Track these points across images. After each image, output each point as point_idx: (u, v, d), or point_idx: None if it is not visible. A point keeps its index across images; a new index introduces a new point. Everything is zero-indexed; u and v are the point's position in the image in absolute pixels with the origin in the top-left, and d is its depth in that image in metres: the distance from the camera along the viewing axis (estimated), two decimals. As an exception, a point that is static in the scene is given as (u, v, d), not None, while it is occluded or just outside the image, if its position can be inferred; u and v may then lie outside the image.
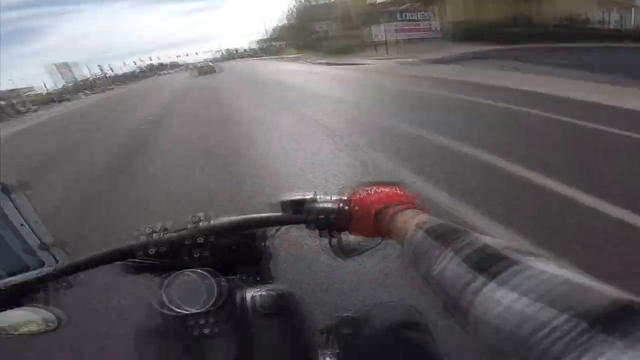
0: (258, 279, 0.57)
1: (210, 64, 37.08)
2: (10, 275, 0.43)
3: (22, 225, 0.41)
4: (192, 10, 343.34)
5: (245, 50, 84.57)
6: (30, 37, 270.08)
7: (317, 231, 0.49)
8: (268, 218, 0.52)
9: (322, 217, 0.47)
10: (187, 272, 0.49)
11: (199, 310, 0.47)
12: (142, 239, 0.50)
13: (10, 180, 0.42)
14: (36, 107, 30.86)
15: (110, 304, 1.65)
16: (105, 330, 1.53)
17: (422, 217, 0.38)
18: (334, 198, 0.48)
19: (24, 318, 0.48)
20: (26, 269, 0.43)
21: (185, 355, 0.47)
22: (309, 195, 0.49)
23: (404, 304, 0.61)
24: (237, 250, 0.53)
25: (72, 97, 41.32)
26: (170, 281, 0.48)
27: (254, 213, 0.51)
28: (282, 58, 33.20)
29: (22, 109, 29.09)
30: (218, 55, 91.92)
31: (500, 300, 0.24)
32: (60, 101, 36.69)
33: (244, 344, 0.47)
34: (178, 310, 0.47)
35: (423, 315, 0.59)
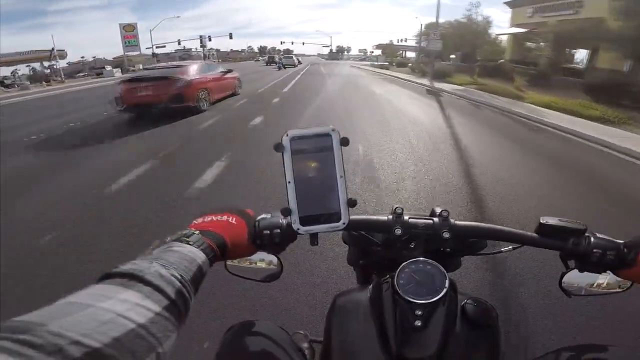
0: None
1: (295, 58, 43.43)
2: (311, 216, 0.43)
3: (341, 177, 0.42)
4: (322, 4, 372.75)
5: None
6: (188, 5, 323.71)
7: (560, 262, 0.49)
8: (524, 235, 0.51)
9: (598, 252, 0.46)
10: (425, 260, 0.50)
11: (422, 301, 0.47)
12: (390, 218, 0.53)
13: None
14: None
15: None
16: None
17: None
18: (605, 237, 0.48)
19: (263, 260, 0.57)
20: (324, 219, 0.42)
21: (385, 339, 0.48)
22: (579, 225, 0.49)
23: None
24: (451, 254, 0.55)
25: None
26: (407, 266, 0.50)
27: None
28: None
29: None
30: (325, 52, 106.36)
31: None
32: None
33: (446, 345, 0.46)
34: (405, 295, 0.48)
35: None
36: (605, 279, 0.52)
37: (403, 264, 0.51)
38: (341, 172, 0.42)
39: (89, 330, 0.24)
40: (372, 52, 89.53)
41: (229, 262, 0.57)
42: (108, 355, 0.23)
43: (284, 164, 0.42)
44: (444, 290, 0.48)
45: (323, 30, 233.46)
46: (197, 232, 0.43)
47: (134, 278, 0.30)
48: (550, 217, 0.50)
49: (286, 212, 0.43)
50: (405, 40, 50.61)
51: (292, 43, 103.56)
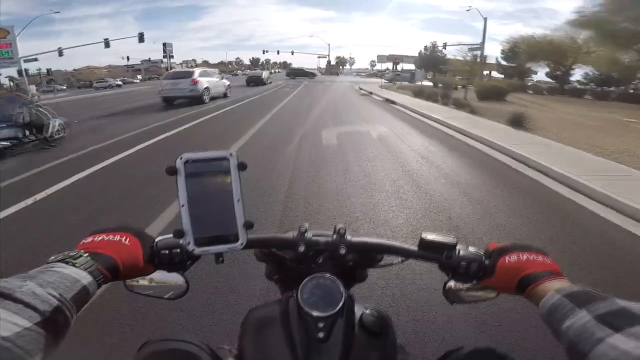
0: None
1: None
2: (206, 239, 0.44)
3: (238, 201, 0.44)
4: (323, 18, 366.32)
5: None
6: (195, 15, 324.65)
7: (442, 273, 0.54)
8: (407, 249, 0.56)
9: (464, 264, 0.51)
10: (323, 276, 0.53)
11: (323, 314, 0.49)
12: (294, 235, 0.57)
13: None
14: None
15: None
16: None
17: (562, 284, 0.43)
18: (473, 250, 0.53)
19: (165, 280, 0.56)
20: (222, 240, 0.44)
21: (294, 352, 0.49)
22: (451, 240, 0.53)
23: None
24: (354, 268, 0.60)
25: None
26: (309, 281, 0.53)
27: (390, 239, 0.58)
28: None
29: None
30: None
31: (620, 347, 0.28)
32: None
33: (348, 354, 0.49)
34: (307, 308, 0.50)
35: None
36: (478, 288, 0.55)
37: (305, 279, 0.53)
38: (238, 196, 0.44)
39: None
40: (385, 66, 64.89)
41: (128, 282, 0.55)
42: None
43: (177, 186, 0.43)
44: (341, 303, 0.51)
45: (318, 35, 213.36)
46: (84, 253, 0.42)
47: (1, 296, 0.31)
48: (430, 232, 0.55)
49: (179, 233, 0.44)
50: (444, 46, 32.72)
51: (292, 53, 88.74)
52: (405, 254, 0.56)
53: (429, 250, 0.54)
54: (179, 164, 0.42)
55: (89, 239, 0.48)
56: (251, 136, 6.76)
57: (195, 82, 12.67)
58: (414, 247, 0.55)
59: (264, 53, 76.07)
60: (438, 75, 25.99)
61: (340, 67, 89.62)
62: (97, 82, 40.58)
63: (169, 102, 13.03)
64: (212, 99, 13.97)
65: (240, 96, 16.31)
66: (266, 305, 0.59)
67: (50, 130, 6.51)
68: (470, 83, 20.39)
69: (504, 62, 29.05)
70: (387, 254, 0.60)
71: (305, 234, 0.56)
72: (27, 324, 0.30)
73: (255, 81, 27.38)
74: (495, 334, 1.68)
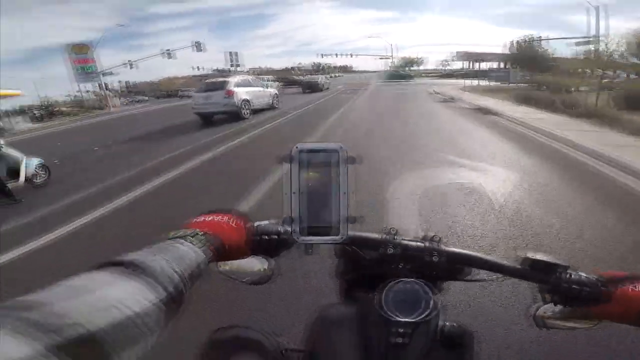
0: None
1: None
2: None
3: (344, 194, 0.45)
4: (382, 19, 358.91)
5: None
6: (262, 23, 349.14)
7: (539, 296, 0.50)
8: (507, 266, 0.52)
9: (577, 288, 0.47)
10: (412, 280, 0.51)
11: (407, 319, 0.48)
12: (383, 236, 0.55)
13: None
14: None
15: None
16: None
17: None
18: (584, 274, 0.49)
19: (253, 264, 0.57)
20: (323, 231, 0.46)
21: (367, 354, 0.49)
22: (562, 262, 0.50)
23: None
24: (437, 277, 0.55)
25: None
26: (395, 284, 0.51)
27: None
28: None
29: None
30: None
31: None
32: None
33: None
34: (389, 312, 0.49)
35: None
36: (577, 313, 0.52)
37: (391, 282, 0.52)
38: (345, 189, 0.45)
39: (89, 314, 0.25)
40: (459, 65, 57.66)
41: (220, 263, 0.55)
42: (100, 339, 0.24)
43: (290, 175, 0.45)
44: (428, 310, 0.49)
45: (379, 36, 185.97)
46: (200, 232, 0.44)
47: (137, 268, 0.31)
48: (537, 252, 0.52)
49: (288, 220, 0.46)
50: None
51: (351, 56, 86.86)
52: (505, 271, 0.52)
53: (534, 270, 0.50)
54: (294, 152, 0.46)
55: (201, 218, 0.50)
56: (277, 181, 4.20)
57: (230, 94, 10.49)
58: (516, 265, 0.52)
59: (322, 57, 74.78)
60: (539, 75, 20.53)
61: (407, 68, 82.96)
62: (181, 92, 43.27)
63: (206, 119, 11.14)
64: (256, 111, 12.00)
65: (289, 106, 14.18)
66: (339, 303, 0.60)
67: (23, 176, 4.82)
68: (588, 84, 15.05)
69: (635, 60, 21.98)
70: (485, 269, 0.54)
71: (396, 237, 0.55)
72: (155, 300, 0.30)
73: (311, 87, 25.27)
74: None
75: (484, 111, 10.13)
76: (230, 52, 50.27)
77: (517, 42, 33.23)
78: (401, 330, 0.47)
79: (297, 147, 0.45)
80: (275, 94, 14.05)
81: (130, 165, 5.76)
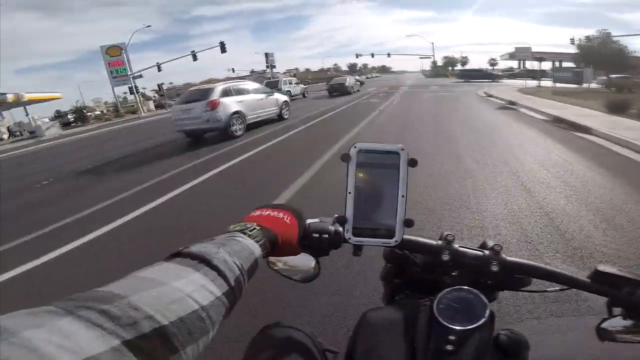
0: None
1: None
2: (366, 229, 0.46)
3: (402, 196, 0.44)
4: (421, 19, 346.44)
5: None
6: (299, 25, 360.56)
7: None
8: (574, 278, 0.51)
9: None
10: (467, 289, 0.50)
11: (460, 327, 0.46)
12: (439, 243, 0.53)
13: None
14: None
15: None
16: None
17: None
18: None
19: (300, 262, 0.57)
20: (377, 233, 0.46)
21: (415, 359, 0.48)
22: (628, 273, 0.48)
23: None
24: (493, 287, 0.54)
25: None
26: (449, 292, 0.50)
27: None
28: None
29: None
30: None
31: None
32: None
33: None
34: (442, 319, 0.47)
35: None
36: None
37: (446, 289, 0.51)
38: (403, 192, 0.45)
39: (162, 307, 0.24)
40: (509, 64, 50.35)
41: (271, 258, 0.57)
42: (171, 333, 0.24)
43: (347, 174, 0.45)
44: (483, 319, 0.47)
45: (419, 35, 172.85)
46: (257, 226, 0.44)
47: (203, 261, 0.31)
48: (609, 265, 0.50)
49: (342, 220, 0.46)
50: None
51: (389, 55, 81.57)
52: (570, 283, 0.51)
53: (604, 284, 0.48)
54: (353, 152, 0.45)
55: (257, 212, 0.50)
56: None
57: (213, 106, 8.04)
58: (583, 278, 0.50)
59: (357, 57, 70.99)
60: (618, 77, 16.02)
61: (450, 67, 76.37)
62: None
63: (193, 137, 8.96)
64: (259, 124, 9.69)
65: (303, 115, 11.77)
66: (386, 307, 0.59)
67: None
68: None
69: None
70: (548, 281, 0.53)
71: (452, 244, 0.54)
72: (218, 293, 0.30)
73: (338, 90, 22.36)
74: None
75: (574, 126, 6.62)
76: (266, 53, 49.31)
77: (587, 37, 27.48)
78: (452, 337, 0.45)
79: (355, 147, 0.45)
80: (285, 101, 11.42)
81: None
